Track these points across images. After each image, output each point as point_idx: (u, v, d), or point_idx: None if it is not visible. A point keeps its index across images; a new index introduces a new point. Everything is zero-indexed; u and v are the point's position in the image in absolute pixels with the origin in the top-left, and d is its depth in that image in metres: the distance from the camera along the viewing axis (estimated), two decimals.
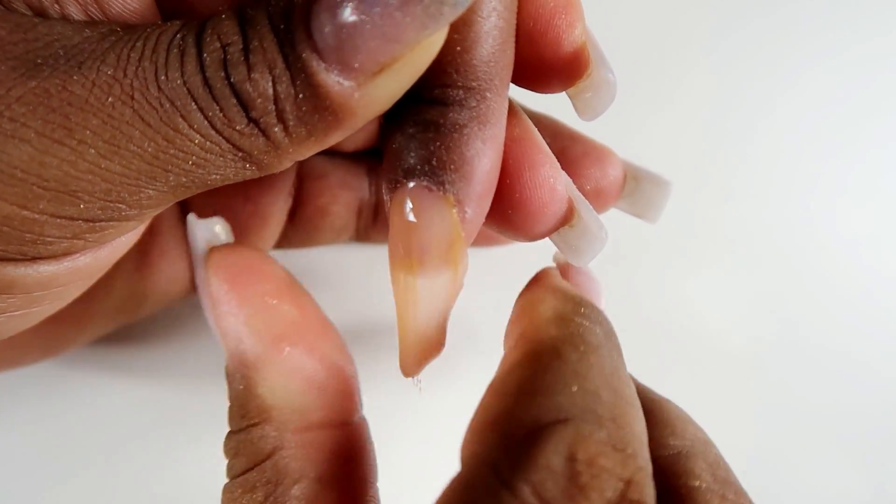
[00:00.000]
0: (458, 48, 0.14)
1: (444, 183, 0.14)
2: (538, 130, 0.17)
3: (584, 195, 0.17)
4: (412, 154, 0.15)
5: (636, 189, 0.21)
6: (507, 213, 0.16)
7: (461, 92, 0.14)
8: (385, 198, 0.15)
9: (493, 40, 0.14)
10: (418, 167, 0.14)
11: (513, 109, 0.16)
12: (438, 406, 0.25)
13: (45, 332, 0.21)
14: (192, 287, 0.24)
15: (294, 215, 0.24)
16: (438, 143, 0.14)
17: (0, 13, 0.14)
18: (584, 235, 0.17)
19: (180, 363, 0.27)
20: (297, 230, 0.24)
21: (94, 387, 0.26)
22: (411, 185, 0.15)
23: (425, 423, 0.27)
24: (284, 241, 0.25)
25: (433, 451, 0.25)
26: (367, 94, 0.13)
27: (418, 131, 0.15)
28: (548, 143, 0.16)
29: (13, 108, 0.13)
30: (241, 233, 0.23)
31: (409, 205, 0.15)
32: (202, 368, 0.27)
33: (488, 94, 0.15)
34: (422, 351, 0.16)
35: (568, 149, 0.21)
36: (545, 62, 0.16)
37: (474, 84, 0.15)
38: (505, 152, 0.16)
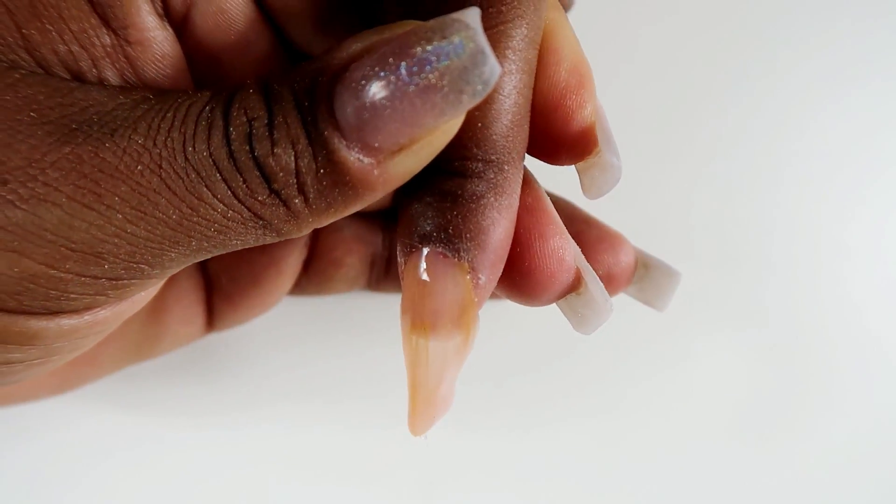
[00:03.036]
0: (479, 124, 0.15)
1: (460, 250, 0.15)
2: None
3: None
4: (429, 221, 0.15)
5: (646, 276, 0.21)
6: (516, 280, 0.16)
7: (480, 165, 0.15)
8: (399, 260, 0.16)
9: (513, 116, 0.15)
10: (434, 234, 0.15)
11: (527, 179, 0.17)
12: (445, 453, 0.26)
13: (60, 371, 0.21)
14: (205, 329, 0.25)
15: (308, 266, 0.24)
16: (455, 213, 0.15)
17: (40, 78, 0.14)
18: (590, 305, 0.17)
19: (190, 403, 0.27)
20: (311, 280, 0.25)
21: (104, 423, 0.26)
22: (427, 250, 0.15)
23: (432, 466, 0.27)
24: (298, 290, 0.25)
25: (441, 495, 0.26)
26: (386, 171, 0.14)
27: (435, 200, 0.15)
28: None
29: (47, 172, 0.13)
30: (256, 281, 0.23)
31: (424, 269, 0.15)
32: (212, 408, 0.27)
33: (506, 167, 0.15)
34: (430, 412, 0.16)
35: (583, 233, 0.21)
36: (553, 138, 0.16)
37: (493, 158, 0.15)
38: (517, 221, 0.16)
